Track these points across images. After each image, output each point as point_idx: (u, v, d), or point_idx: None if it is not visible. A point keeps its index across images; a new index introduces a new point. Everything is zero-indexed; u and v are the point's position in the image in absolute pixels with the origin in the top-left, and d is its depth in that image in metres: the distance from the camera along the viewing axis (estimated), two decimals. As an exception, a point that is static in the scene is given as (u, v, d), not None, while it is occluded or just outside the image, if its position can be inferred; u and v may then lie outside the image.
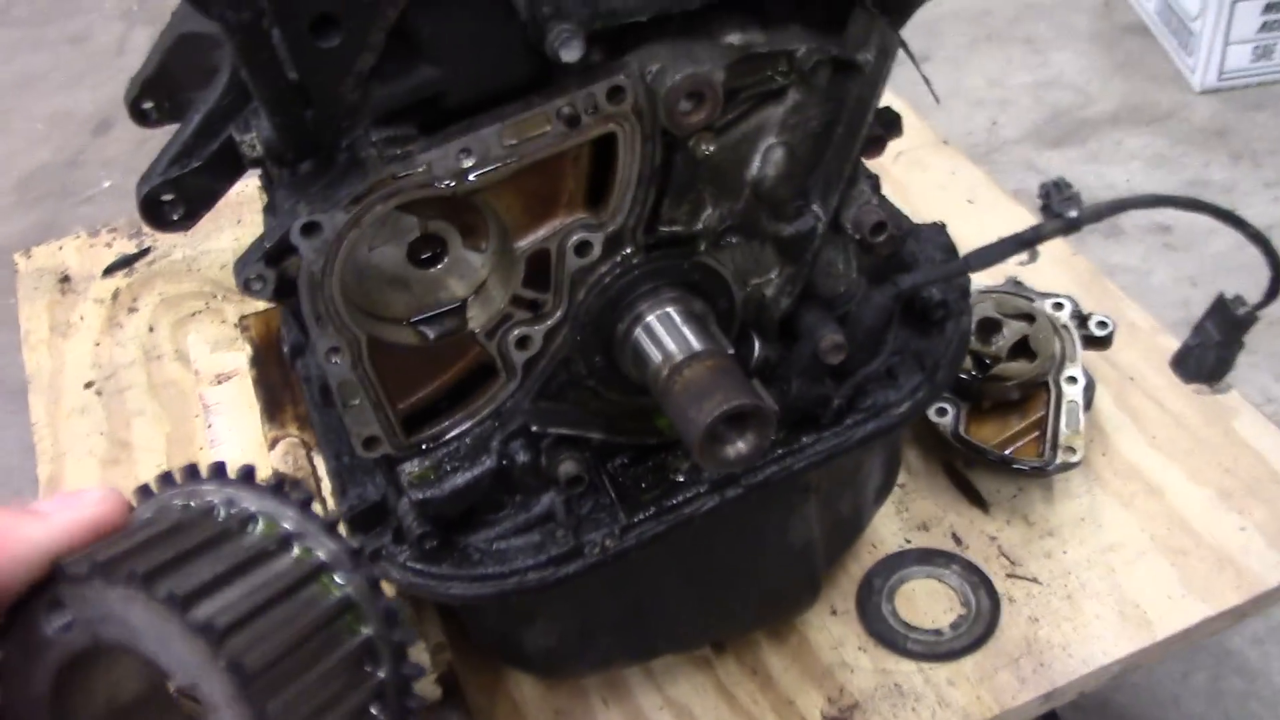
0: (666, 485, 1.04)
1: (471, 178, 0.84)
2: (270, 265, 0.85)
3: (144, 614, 0.53)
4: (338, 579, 0.61)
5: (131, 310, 1.81)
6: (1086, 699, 1.41)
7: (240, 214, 1.91)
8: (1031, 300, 1.48)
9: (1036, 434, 1.42)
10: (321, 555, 0.61)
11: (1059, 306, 1.48)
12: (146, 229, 1.92)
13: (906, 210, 1.14)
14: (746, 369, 0.97)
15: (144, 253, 1.90)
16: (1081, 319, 1.47)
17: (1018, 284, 1.53)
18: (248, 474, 0.64)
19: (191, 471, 0.64)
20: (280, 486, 0.63)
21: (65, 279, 1.88)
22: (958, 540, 1.40)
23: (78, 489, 0.61)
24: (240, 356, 1.66)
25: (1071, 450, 1.37)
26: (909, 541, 1.40)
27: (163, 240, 1.92)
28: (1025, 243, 0.97)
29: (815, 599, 1.28)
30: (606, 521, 1.02)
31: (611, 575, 1.05)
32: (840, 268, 1.00)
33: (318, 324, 0.88)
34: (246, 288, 0.85)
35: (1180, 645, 1.31)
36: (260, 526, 0.61)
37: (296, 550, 0.61)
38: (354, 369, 0.91)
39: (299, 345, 1.14)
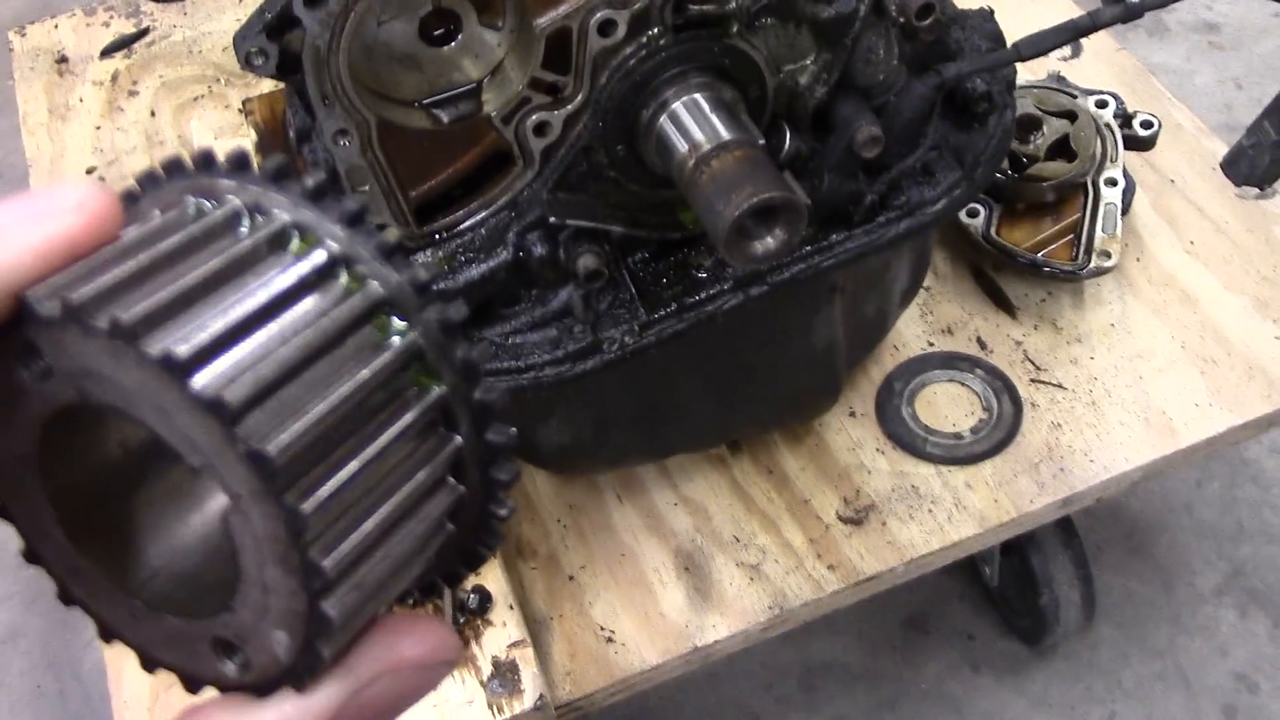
0: (688, 282, 1.01)
1: (488, -55, 0.79)
2: (272, 38, 0.80)
3: (137, 375, 0.40)
4: (399, 320, 0.45)
5: (132, 93, 1.75)
6: (1099, 505, 1.41)
7: (243, -7, 1.83)
8: (1074, 97, 1.41)
9: (1070, 237, 1.38)
10: (378, 288, 0.45)
11: (1103, 104, 1.42)
12: (144, 7, 1.85)
13: (950, -6, 1.07)
14: (776, 162, 0.92)
15: (143, 33, 1.83)
16: (1125, 118, 1.41)
17: (1060, 79, 1.47)
18: (279, 170, 0.46)
19: (207, 160, 0.47)
20: (323, 191, 0.46)
21: (62, 59, 1.81)
22: (982, 345, 1.37)
23: (51, 186, 0.45)
24: (245, 143, 1.61)
25: (1106, 255, 1.33)
26: (932, 345, 1.38)
27: (162, 20, 1.84)
28: (1081, 30, 0.91)
29: (835, 401, 1.27)
30: (625, 318, 0.99)
31: (629, 372, 1.03)
32: (880, 54, 0.94)
33: (324, 104, 0.84)
34: (247, 62, 0.80)
35: (1204, 454, 1.30)
36: (295, 244, 0.45)
37: (344, 279, 0.45)
38: (363, 153, 0.87)
39: (305, 129, 1.09)
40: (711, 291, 1.01)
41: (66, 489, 0.46)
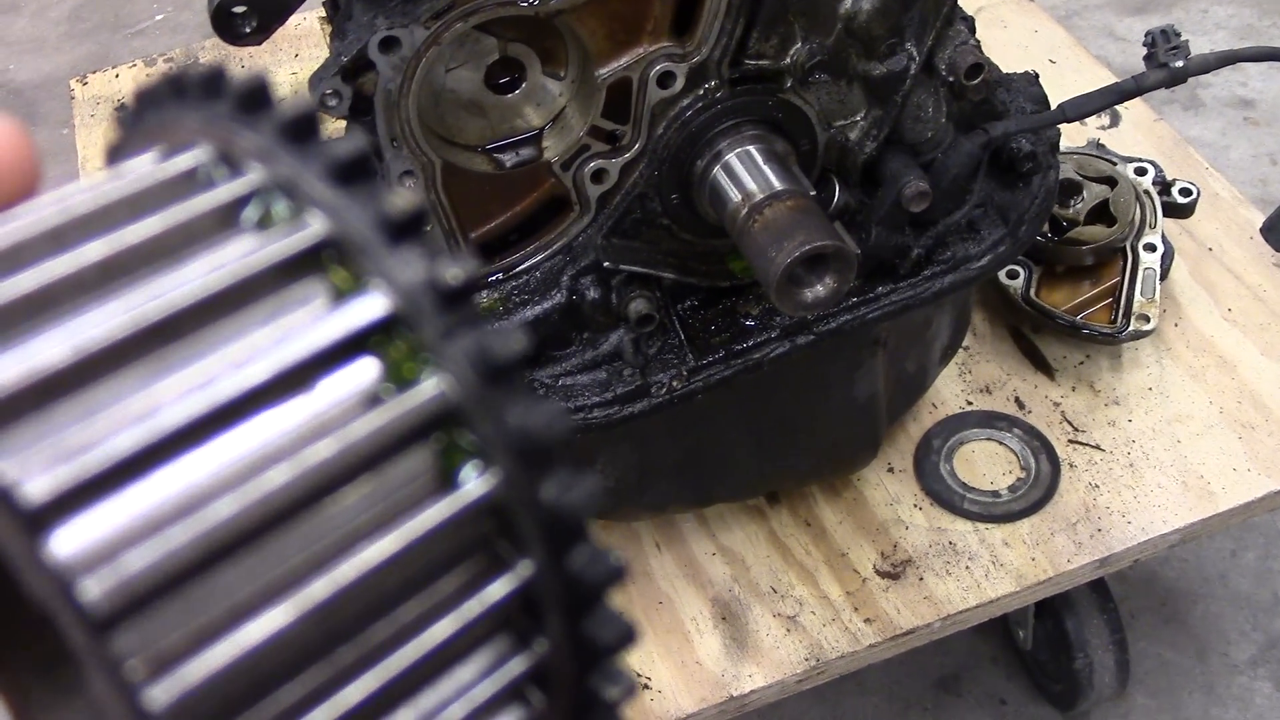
0: (736, 329, 1.03)
1: (557, -4, 0.82)
2: (346, 81, 0.83)
3: None
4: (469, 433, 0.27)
5: (189, 141, 1.80)
6: (1133, 572, 1.41)
7: (298, 48, 1.88)
8: (1114, 163, 1.44)
9: (1109, 301, 1.39)
10: (434, 342, 0.27)
11: (1142, 171, 1.44)
12: (204, 59, 1.91)
13: (995, 60, 1.10)
14: (826, 213, 0.95)
15: (201, 83, 1.88)
16: (1164, 185, 1.43)
17: (1100, 146, 1.49)
18: (257, 91, 0.29)
19: (175, 84, 0.31)
20: (311, 125, 0.28)
21: (122, 107, 1.87)
22: (1020, 405, 1.39)
23: None
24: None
25: (1145, 319, 1.35)
26: (970, 404, 1.39)
27: (220, 71, 1.90)
28: (1125, 93, 0.94)
29: (874, 455, 1.28)
30: (674, 363, 1.02)
31: (675, 418, 1.05)
32: (929, 112, 0.97)
33: (393, 146, 0.87)
34: (321, 104, 0.84)
35: (1241, 518, 1.30)
36: (252, 211, 0.28)
37: (325, 281, 0.27)
38: (427, 194, 0.91)
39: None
40: (759, 339, 1.03)
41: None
